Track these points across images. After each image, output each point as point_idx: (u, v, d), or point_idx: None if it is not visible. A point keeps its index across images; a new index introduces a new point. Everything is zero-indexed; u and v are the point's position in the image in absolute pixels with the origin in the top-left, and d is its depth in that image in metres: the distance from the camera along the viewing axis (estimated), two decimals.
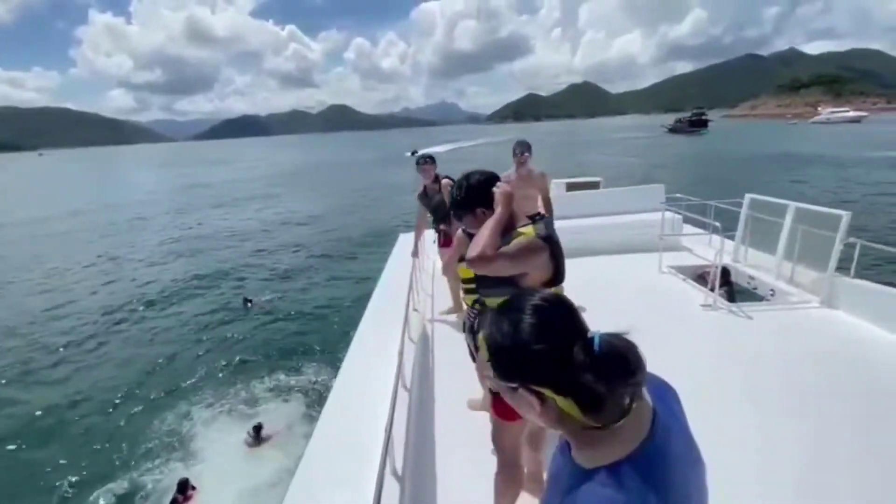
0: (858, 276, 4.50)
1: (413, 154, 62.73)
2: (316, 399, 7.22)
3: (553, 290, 1.60)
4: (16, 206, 36.55)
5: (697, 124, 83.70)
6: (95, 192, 45.03)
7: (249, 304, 11.65)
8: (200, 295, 13.18)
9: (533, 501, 2.42)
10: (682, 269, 5.81)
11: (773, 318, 4.49)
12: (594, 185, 8.61)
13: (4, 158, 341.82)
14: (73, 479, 6.21)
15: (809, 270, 4.87)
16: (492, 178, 2.04)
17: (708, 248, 6.31)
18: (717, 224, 5.20)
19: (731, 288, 5.55)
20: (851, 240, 4.40)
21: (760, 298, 5.22)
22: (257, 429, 6.46)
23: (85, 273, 16.05)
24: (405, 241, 6.96)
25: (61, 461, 6.54)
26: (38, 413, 7.84)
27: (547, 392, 0.82)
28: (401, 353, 2.86)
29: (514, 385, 0.85)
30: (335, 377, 3.16)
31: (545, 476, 2.42)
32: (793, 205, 5.08)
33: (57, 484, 6.13)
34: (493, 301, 1.98)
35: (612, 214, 7.18)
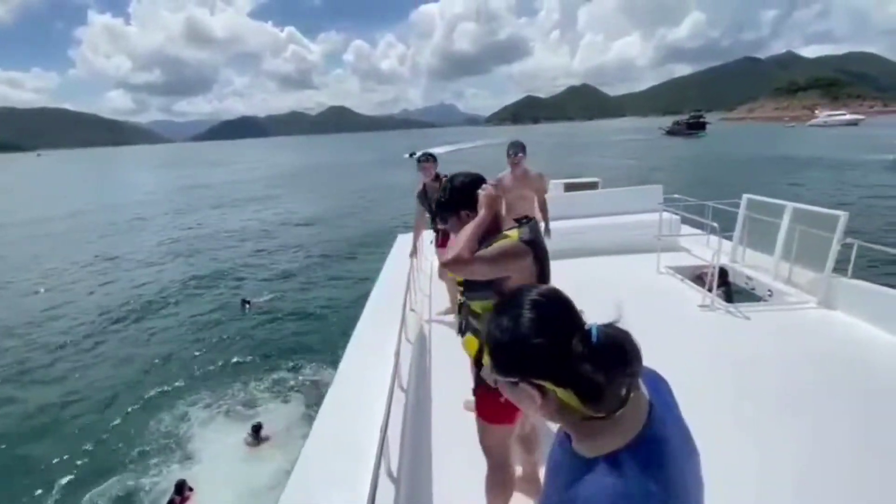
0: (856, 276, 4.52)
1: (411, 156, 62.74)
2: (315, 399, 7.21)
3: None
4: (14, 206, 36.48)
5: (695, 127, 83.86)
6: (94, 193, 44.99)
7: (248, 305, 11.63)
8: (199, 295, 13.16)
9: (528, 502, 2.42)
10: (679, 270, 5.82)
11: (770, 319, 4.50)
12: (592, 186, 8.62)
13: (3, 159, 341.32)
14: (70, 479, 6.19)
15: (807, 271, 4.89)
16: (477, 181, 2.01)
17: (706, 249, 6.33)
18: (715, 224, 5.21)
19: (729, 288, 5.56)
20: (849, 240, 4.42)
21: (758, 299, 5.23)
22: (256, 428, 6.45)
23: (83, 273, 16.02)
24: (403, 241, 6.96)
25: (58, 461, 6.52)
26: (35, 412, 7.82)
27: (547, 385, 0.84)
28: (397, 354, 2.86)
29: (514, 380, 0.87)
30: (333, 377, 3.16)
31: (542, 472, 2.43)
32: (790, 205, 5.10)
33: (53, 484, 6.11)
34: (477, 304, 1.96)
35: (611, 215, 7.19)
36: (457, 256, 1.82)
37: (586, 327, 0.83)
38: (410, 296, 4.29)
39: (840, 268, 4.57)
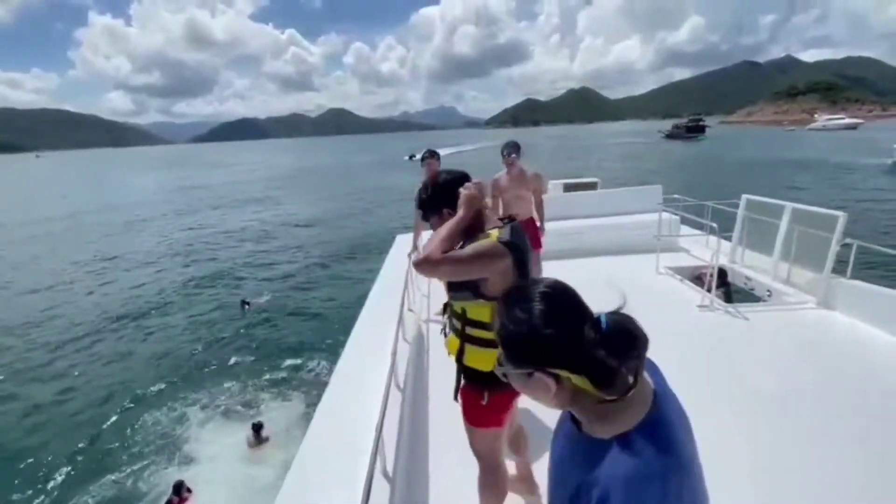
0: (855, 277, 4.52)
1: (411, 158, 62.72)
2: (315, 399, 7.19)
3: None
4: (14, 207, 36.46)
5: (695, 130, 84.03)
6: (93, 194, 44.99)
7: (247, 306, 11.62)
8: (198, 295, 13.15)
9: (522, 502, 2.41)
10: (679, 270, 5.83)
11: (769, 319, 4.50)
12: (592, 186, 8.63)
13: (3, 159, 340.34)
14: (67, 479, 6.17)
15: (806, 271, 4.89)
16: (460, 179, 1.97)
17: (705, 249, 6.34)
18: (714, 225, 5.22)
19: (728, 289, 5.57)
20: (848, 240, 4.42)
21: (757, 299, 5.23)
22: (257, 428, 6.43)
23: (82, 273, 16.01)
24: (402, 241, 6.96)
25: (55, 460, 6.51)
26: (33, 411, 7.81)
27: (562, 373, 0.88)
28: (394, 353, 2.85)
29: (528, 370, 0.90)
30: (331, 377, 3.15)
31: (536, 470, 2.43)
32: (789, 205, 5.11)
33: (51, 483, 6.09)
34: (458, 305, 1.92)
35: (610, 215, 7.20)
36: (425, 256, 1.76)
37: (596, 315, 0.88)
38: (408, 296, 4.29)
39: (839, 268, 4.57)
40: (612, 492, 0.79)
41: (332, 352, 8.59)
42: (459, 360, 1.99)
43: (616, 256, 6.58)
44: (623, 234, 6.80)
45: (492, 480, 2.10)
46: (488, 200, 2.05)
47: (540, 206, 4.86)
